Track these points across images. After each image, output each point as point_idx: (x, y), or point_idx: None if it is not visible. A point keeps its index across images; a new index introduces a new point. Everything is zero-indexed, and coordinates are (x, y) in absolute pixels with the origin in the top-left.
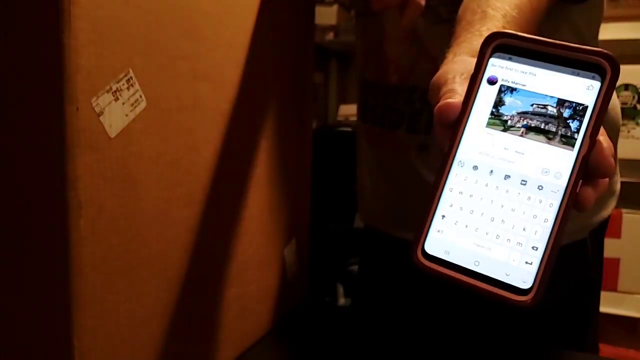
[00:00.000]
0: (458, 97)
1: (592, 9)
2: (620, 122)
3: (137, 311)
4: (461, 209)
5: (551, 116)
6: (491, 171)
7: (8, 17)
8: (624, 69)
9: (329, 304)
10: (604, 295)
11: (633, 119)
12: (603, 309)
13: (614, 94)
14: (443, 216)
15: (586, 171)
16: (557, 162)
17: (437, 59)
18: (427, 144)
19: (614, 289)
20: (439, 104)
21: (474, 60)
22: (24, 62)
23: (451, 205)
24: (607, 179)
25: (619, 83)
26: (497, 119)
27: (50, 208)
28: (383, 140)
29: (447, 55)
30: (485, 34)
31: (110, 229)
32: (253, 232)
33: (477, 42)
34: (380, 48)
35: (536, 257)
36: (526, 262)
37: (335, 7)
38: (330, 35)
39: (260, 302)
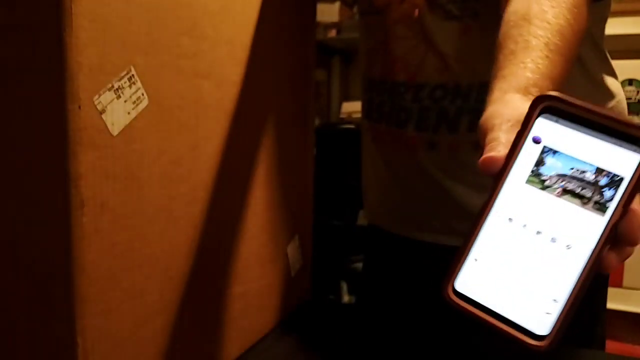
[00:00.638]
0: (502, 150)
1: (603, 8)
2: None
3: (140, 309)
4: (493, 255)
5: (588, 182)
6: (524, 225)
7: (9, 15)
8: (628, 63)
9: (333, 301)
10: (609, 291)
11: (637, 114)
12: (609, 305)
13: (621, 90)
14: (475, 259)
15: (615, 237)
16: (588, 226)
17: (446, 56)
18: (436, 142)
19: (619, 285)
20: (483, 157)
21: (521, 104)
22: (25, 60)
23: (484, 251)
24: (633, 247)
25: (622, 78)
26: (537, 177)
27: (52, 205)
28: (390, 138)
29: (494, 91)
30: (530, 65)
31: (113, 227)
32: (256, 230)
33: (523, 76)
34: (386, 46)
35: (556, 309)
36: (546, 313)
37: (337, 5)
38: (332, 33)
39: (263, 299)
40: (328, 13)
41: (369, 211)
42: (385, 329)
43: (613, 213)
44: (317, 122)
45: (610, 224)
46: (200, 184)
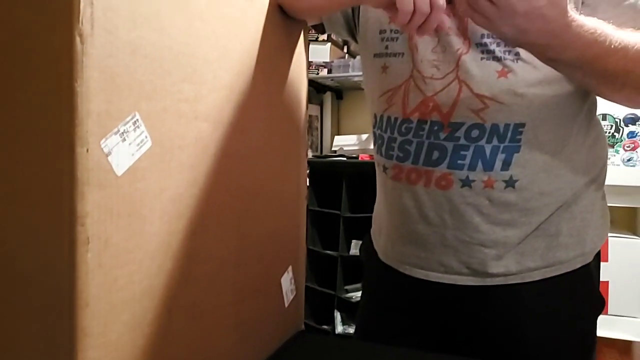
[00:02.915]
0: None
1: None
2: (607, 154)
3: (139, 341)
4: None
5: None
6: None
7: (23, 66)
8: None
9: (327, 332)
10: None
11: (612, 147)
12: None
13: (602, 128)
14: None
15: None
16: None
17: (482, 96)
18: (470, 180)
19: (604, 312)
20: None
21: None
22: (39, 106)
23: None
24: None
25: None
26: None
27: (59, 242)
28: (416, 176)
29: None
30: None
31: (115, 262)
32: (251, 262)
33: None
34: (410, 85)
35: None
36: None
37: (328, 45)
38: (324, 72)
39: (258, 330)
40: (320, 53)
41: (382, 247)
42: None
43: None
44: (310, 154)
45: None
46: (198, 220)
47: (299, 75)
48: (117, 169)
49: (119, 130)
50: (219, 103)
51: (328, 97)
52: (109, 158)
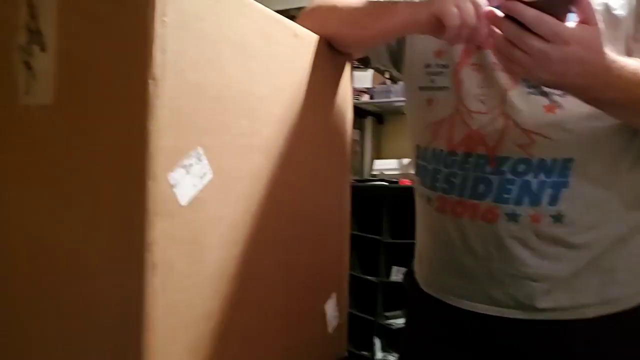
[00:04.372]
0: None
1: None
2: None
3: None
4: None
5: None
6: None
7: (103, 106)
8: None
9: (367, 357)
10: None
11: None
12: None
13: None
14: None
15: None
16: None
17: (529, 131)
18: (517, 214)
19: None
20: None
21: None
22: (115, 143)
23: None
24: None
25: None
26: None
27: (129, 267)
28: (461, 209)
29: None
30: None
31: (177, 286)
32: (297, 288)
33: None
34: (456, 119)
35: None
36: None
37: (370, 72)
38: (365, 97)
39: (303, 355)
40: (362, 80)
41: (425, 278)
42: None
43: None
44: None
45: None
46: (250, 246)
47: (344, 105)
48: (182, 199)
49: (184, 164)
50: (272, 136)
51: (369, 121)
52: (175, 189)
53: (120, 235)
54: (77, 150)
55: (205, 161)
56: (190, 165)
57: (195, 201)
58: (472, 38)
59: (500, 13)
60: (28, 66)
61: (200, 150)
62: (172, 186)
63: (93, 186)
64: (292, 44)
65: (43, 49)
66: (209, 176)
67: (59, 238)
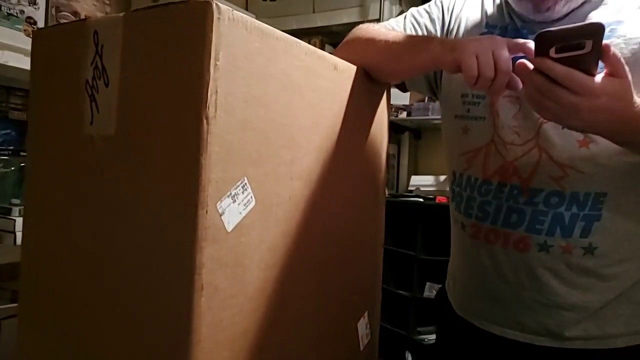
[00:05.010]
0: None
1: None
2: None
3: None
4: None
5: None
6: None
7: (159, 142)
8: None
9: None
10: None
11: None
12: None
13: None
14: None
15: None
16: None
17: (563, 165)
18: (549, 244)
19: None
20: None
21: None
22: (170, 175)
23: None
24: None
25: None
26: None
27: (179, 288)
28: (494, 236)
29: None
30: None
31: (221, 305)
32: (330, 307)
33: None
34: (491, 149)
35: None
36: None
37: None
38: (403, 114)
39: None
40: (400, 97)
41: (458, 300)
42: None
43: None
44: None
45: None
46: (287, 268)
47: (380, 131)
48: (228, 226)
49: (231, 194)
50: (311, 164)
51: (406, 136)
52: (222, 217)
53: (172, 259)
54: (135, 179)
55: (249, 189)
56: (237, 194)
57: (239, 227)
58: (490, 88)
59: (530, 65)
60: (93, 99)
61: (245, 180)
62: (220, 214)
63: (149, 212)
64: (332, 77)
65: (107, 85)
66: (252, 203)
67: (118, 258)
